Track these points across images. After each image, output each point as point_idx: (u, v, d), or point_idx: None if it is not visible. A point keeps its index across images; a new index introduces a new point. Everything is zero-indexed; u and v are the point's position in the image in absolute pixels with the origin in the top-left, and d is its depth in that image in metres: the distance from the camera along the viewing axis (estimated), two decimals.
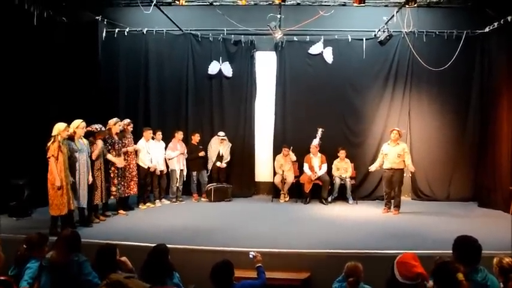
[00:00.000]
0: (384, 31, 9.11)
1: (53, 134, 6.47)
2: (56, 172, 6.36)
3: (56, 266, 3.66)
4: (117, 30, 9.73)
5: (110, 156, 7.56)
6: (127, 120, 8.26)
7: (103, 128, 7.45)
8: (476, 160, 9.51)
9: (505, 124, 8.51)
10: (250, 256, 4.62)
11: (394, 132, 8.27)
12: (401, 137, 8.50)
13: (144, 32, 9.85)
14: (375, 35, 9.52)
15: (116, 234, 6.42)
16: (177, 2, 7.37)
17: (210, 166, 9.65)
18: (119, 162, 7.70)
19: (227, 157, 9.68)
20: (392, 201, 8.33)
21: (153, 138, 8.87)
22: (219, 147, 9.61)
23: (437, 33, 9.42)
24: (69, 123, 6.78)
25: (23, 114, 8.06)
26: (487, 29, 9.13)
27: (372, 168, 8.53)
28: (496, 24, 8.74)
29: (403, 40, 9.32)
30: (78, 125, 6.85)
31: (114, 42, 9.81)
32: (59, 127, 6.50)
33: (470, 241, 3.51)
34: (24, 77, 8.14)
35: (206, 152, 9.60)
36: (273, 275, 5.24)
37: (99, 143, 7.27)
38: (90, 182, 7.03)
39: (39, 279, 3.69)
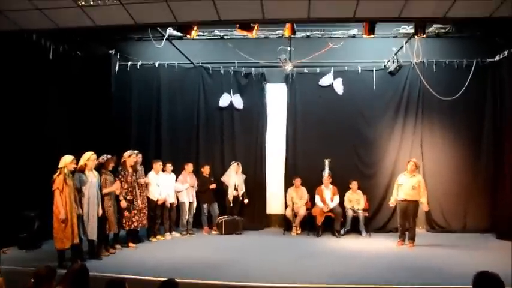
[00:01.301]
0: (393, 62, 9.14)
1: (59, 166, 6.50)
2: (60, 205, 6.36)
3: None
4: (129, 63, 9.93)
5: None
6: (135, 151, 8.25)
7: (108, 156, 7.43)
8: (492, 190, 9.30)
9: None
10: None
11: (411, 164, 8.12)
12: (418, 168, 8.38)
13: (156, 65, 10.02)
14: (385, 65, 9.55)
15: (126, 267, 6.35)
16: (188, 36, 7.48)
17: (230, 197, 9.47)
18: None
19: (243, 188, 9.61)
20: (406, 233, 8.13)
21: (163, 171, 8.86)
22: (235, 177, 9.53)
23: (447, 62, 9.44)
24: (81, 155, 6.83)
25: (37, 146, 8.14)
26: (497, 58, 9.14)
27: (392, 201, 8.33)
28: (506, 52, 8.76)
29: (413, 70, 9.32)
30: (89, 157, 6.89)
31: (126, 75, 9.99)
32: (66, 160, 6.53)
33: (491, 277, 3.32)
34: (38, 110, 8.29)
35: (217, 184, 9.53)
36: None
37: (111, 179, 7.29)
38: (100, 215, 6.99)
39: None
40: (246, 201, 9.60)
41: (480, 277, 3.36)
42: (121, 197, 7.58)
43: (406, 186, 8.03)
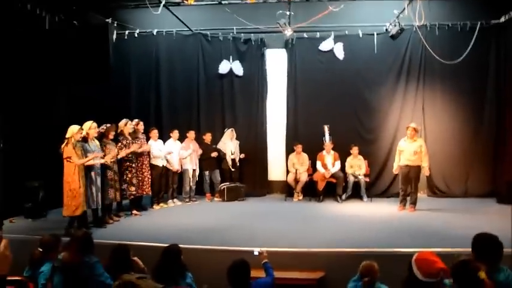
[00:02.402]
0: (395, 25, 8.95)
1: (66, 136, 6.55)
2: (72, 173, 6.44)
3: (68, 267, 3.65)
4: (127, 32, 9.79)
5: (123, 153, 7.57)
6: (135, 120, 8.28)
7: (108, 125, 7.45)
8: (493, 155, 9.31)
9: None
10: (256, 253, 4.62)
11: (410, 129, 8.07)
12: (418, 133, 8.37)
13: (154, 33, 9.90)
14: (386, 29, 9.37)
15: (129, 234, 6.44)
16: (186, 2, 7.33)
17: (229, 162, 9.53)
18: (135, 147, 7.73)
19: (238, 154, 9.65)
20: (408, 198, 8.20)
21: (169, 137, 8.92)
22: (231, 143, 9.56)
23: (450, 25, 9.26)
24: (81, 125, 6.83)
25: (37, 117, 8.14)
26: (502, 19, 8.93)
27: (395, 168, 8.35)
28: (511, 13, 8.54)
29: (415, 34, 9.13)
30: (90, 126, 6.94)
31: (124, 44, 9.85)
32: (73, 129, 6.58)
33: (490, 238, 3.36)
34: (37, 81, 8.21)
35: (218, 152, 9.55)
36: (288, 275, 5.23)
37: (112, 148, 7.27)
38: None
39: (52, 280, 3.68)
40: (242, 155, 9.63)
41: (479, 239, 3.41)
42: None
43: (407, 151, 8.03)
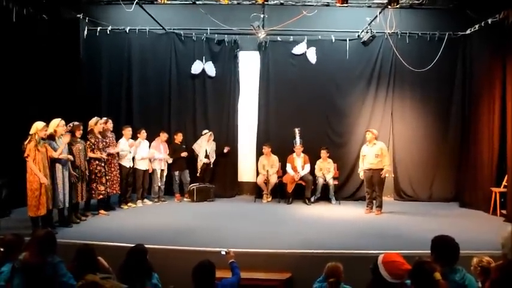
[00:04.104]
0: (367, 32, 9.08)
1: (30, 132, 6.37)
2: (37, 171, 6.27)
3: (30, 267, 3.56)
4: (99, 28, 9.61)
5: (91, 154, 7.50)
6: (104, 119, 8.14)
7: (76, 123, 7.32)
8: (458, 161, 9.58)
9: (485, 125, 8.62)
10: (222, 253, 4.62)
11: (368, 133, 8.40)
12: (380, 137, 8.61)
13: (127, 31, 9.75)
14: (358, 35, 9.52)
15: (96, 234, 6.33)
16: (159, 1, 7.27)
17: (199, 165, 9.52)
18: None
19: (213, 156, 9.63)
20: (374, 201, 8.37)
21: (136, 137, 8.79)
22: (207, 145, 9.53)
23: (420, 34, 9.49)
24: (49, 122, 6.68)
25: (2, 113, 7.89)
26: (468, 31, 9.22)
27: (360, 172, 8.54)
28: (477, 26, 8.83)
29: (386, 41, 9.36)
30: (58, 124, 6.77)
31: (96, 41, 9.67)
32: (37, 126, 6.40)
33: (447, 240, 3.50)
34: (3, 76, 7.97)
35: (188, 152, 9.50)
36: (254, 276, 5.26)
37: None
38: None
39: (12, 282, 3.58)
40: (206, 160, 9.53)
41: (437, 241, 3.54)
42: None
43: (369, 155, 8.26)
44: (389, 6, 7.84)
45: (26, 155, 6.28)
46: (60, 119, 6.82)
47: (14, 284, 3.56)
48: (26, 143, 6.32)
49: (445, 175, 9.67)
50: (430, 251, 3.55)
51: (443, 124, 9.70)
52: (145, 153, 8.86)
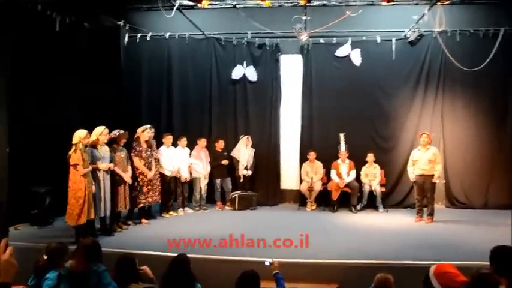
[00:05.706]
0: (414, 31, 8.73)
1: (73, 142, 6.41)
2: (79, 181, 6.30)
3: (75, 275, 3.53)
4: (139, 35, 9.65)
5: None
6: (149, 126, 8.10)
7: (121, 131, 7.31)
8: None
9: None
10: (266, 263, 4.49)
11: (424, 136, 8.00)
12: (432, 142, 8.19)
13: (167, 37, 9.75)
14: (405, 35, 9.14)
15: (137, 243, 6.32)
16: (199, 5, 7.21)
17: (241, 172, 9.32)
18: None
19: (252, 162, 9.43)
20: (424, 209, 8.00)
21: (177, 145, 8.75)
22: (245, 150, 9.35)
23: (471, 31, 9.00)
24: (91, 130, 6.71)
25: (46, 122, 8.01)
26: None
27: (412, 177, 8.16)
28: None
29: (435, 40, 8.89)
30: (101, 132, 6.81)
31: (136, 47, 9.72)
32: (79, 134, 6.45)
33: (509, 251, 3.23)
34: (46, 84, 8.11)
35: (230, 160, 9.36)
36: (300, 287, 5.13)
37: (122, 156, 7.13)
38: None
39: None
40: (245, 172, 9.33)
41: (497, 252, 3.31)
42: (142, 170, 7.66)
43: (421, 161, 7.92)
44: (438, 3, 7.48)
45: (73, 163, 6.30)
46: (104, 127, 6.86)
47: None
48: (70, 152, 6.36)
49: (501, 180, 9.07)
50: (488, 262, 3.29)
51: (498, 126, 9.17)
52: (185, 161, 8.78)
